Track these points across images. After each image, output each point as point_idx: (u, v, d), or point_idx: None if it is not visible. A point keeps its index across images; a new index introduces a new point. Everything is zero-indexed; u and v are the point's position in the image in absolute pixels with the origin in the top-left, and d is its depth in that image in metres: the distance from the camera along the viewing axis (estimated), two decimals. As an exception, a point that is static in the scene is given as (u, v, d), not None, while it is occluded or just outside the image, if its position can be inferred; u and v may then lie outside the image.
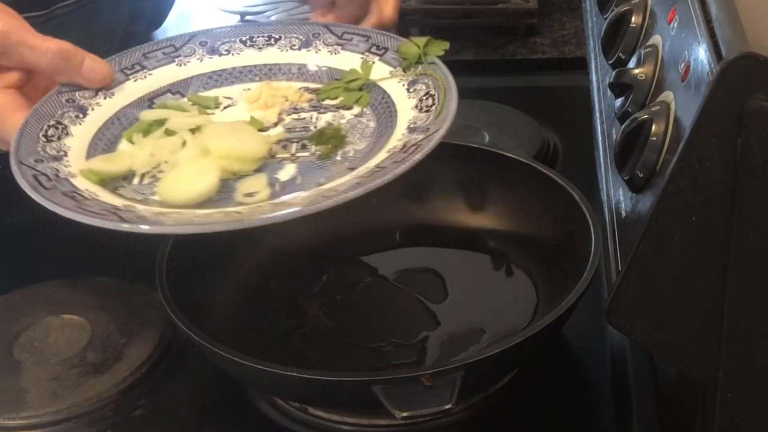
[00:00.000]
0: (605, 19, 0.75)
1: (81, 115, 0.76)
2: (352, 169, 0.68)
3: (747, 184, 0.48)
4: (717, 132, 0.47)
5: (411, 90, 0.74)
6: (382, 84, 0.76)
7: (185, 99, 0.79)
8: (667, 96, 0.57)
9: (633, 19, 0.68)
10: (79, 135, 0.74)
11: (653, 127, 0.56)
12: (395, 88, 0.75)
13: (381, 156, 0.68)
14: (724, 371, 0.52)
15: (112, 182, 0.70)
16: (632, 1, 0.69)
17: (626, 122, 0.60)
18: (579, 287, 0.69)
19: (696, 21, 0.53)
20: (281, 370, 0.65)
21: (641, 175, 0.56)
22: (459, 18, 1.27)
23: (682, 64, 0.55)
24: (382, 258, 0.86)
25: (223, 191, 0.68)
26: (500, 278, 0.83)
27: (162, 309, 0.73)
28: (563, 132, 1.03)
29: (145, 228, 0.62)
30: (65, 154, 0.72)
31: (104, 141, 0.75)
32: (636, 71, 0.63)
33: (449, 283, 0.82)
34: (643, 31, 0.67)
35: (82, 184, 0.68)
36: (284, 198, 0.65)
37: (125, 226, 0.62)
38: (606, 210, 0.67)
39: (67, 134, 0.74)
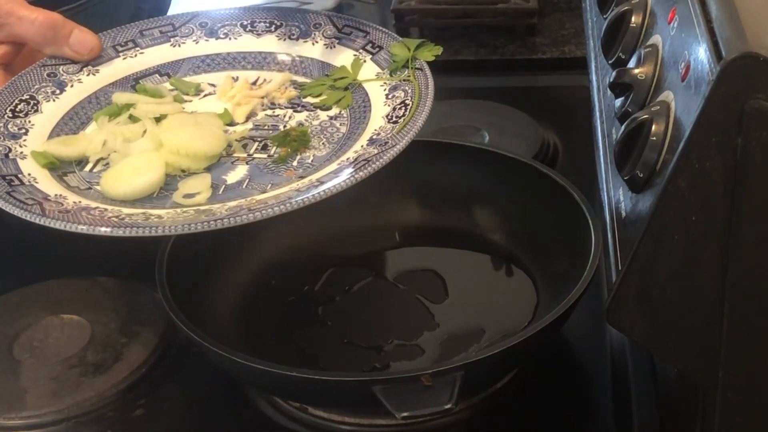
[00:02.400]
0: (605, 19, 0.75)
1: (58, 91, 0.76)
2: (302, 177, 0.67)
3: (747, 184, 0.48)
4: (717, 132, 0.47)
5: (390, 96, 0.73)
6: (365, 86, 0.75)
7: (167, 83, 0.79)
8: (667, 96, 0.57)
9: (633, 19, 0.68)
10: (49, 113, 0.74)
11: (653, 127, 0.56)
12: (376, 92, 0.74)
13: (330, 168, 0.67)
14: (724, 371, 0.52)
15: (64, 166, 0.70)
16: (632, 1, 0.69)
17: (626, 122, 0.60)
18: (579, 287, 0.69)
19: (696, 21, 0.53)
20: (281, 370, 0.65)
21: (641, 175, 0.56)
22: (459, 18, 1.27)
23: (682, 64, 0.55)
24: (382, 258, 0.86)
25: (166, 189, 0.68)
26: (500, 278, 0.83)
27: (162, 309, 0.73)
28: (563, 132, 1.03)
29: (58, 225, 0.62)
30: (26, 132, 0.72)
31: (75, 121, 0.75)
32: (636, 71, 0.63)
33: (449, 283, 0.82)
34: (643, 31, 0.67)
35: (27, 167, 0.69)
36: (214, 206, 0.65)
37: (41, 221, 0.62)
38: (606, 210, 0.67)
39: (36, 111, 0.74)
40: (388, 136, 0.68)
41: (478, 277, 0.83)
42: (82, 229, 0.62)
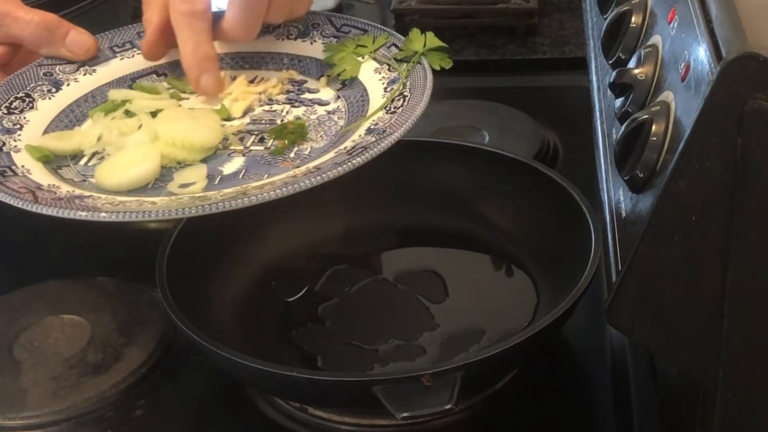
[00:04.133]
0: (605, 19, 0.75)
1: (54, 90, 0.75)
2: (299, 167, 0.67)
3: (747, 184, 0.48)
4: (717, 132, 0.47)
5: (388, 89, 0.73)
6: (363, 81, 0.75)
7: (164, 83, 0.79)
8: (667, 96, 0.57)
9: (633, 19, 0.68)
10: (45, 110, 0.74)
11: (653, 127, 0.56)
12: (375, 86, 0.74)
13: (327, 156, 0.67)
14: (724, 371, 0.52)
15: (58, 160, 0.70)
16: (632, 1, 0.69)
17: (626, 122, 0.60)
18: (579, 287, 0.69)
19: (696, 21, 0.53)
20: (281, 370, 0.65)
21: (641, 175, 0.56)
22: (459, 18, 1.27)
23: (682, 64, 0.55)
24: (382, 258, 0.86)
25: (162, 180, 0.68)
26: (500, 278, 0.83)
27: (162, 309, 0.73)
28: (563, 132, 1.03)
29: (50, 211, 0.61)
30: (21, 128, 0.72)
31: (71, 118, 0.75)
32: (636, 71, 0.63)
33: (449, 283, 0.82)
34: (643, 31, 0.67)
35: (21, 159, 0.69)
36: (209, 193, 0.65)
37: (34, 207, 0.62)
38: (606, 210, 0.67)
39: (31, 108, 0.74)
40: (386, 125, 0.68)
41: (478, 277, 0.83)
42: (77, 215, 0.61)
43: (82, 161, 0.71)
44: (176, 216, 0.61)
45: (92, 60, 0.79)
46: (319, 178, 0.62)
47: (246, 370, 0.67)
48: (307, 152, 0.70)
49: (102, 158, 0.71)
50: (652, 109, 0.57)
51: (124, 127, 0.72)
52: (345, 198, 0.73)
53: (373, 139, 0.67)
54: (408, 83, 0.72)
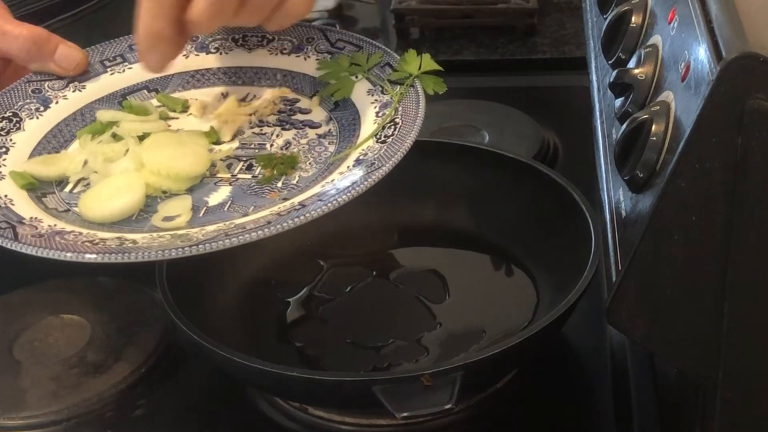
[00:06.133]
0: (605, 19, 0.75)
1: (42, 108, 0.74)
2: (285, 199, 0.66)
3: (747, 184, 0.48)
4: (717, 132, 0.47)
5: (380, 114, 0.71)
6: (356, 103, 0.74)
7: (154, 100, 0.78)
8: (667, 96, 0.57)
9: (633, 19, 0.68)
10: (32, 131, 0.73)
11: (653, 127, 0.56)
12: (367, 109, 0.73)
13: (314, 190, 0.66)
14: (724, 371, 0.52)
15: (43, 187, 0.69)
16: (632, 1, 0.69)
17: (626, 122, 0.60)
18: (579, 287, 0.69)
19: (696, 21, 0.53)
20: (281, 370, 0.65)
21: (641, 175, 0.56)
22: (459, 18, 1.27)
23: (682, 64, 0.55)
24: (382, 258, 0.86)
25: (146, 211, 0.67)
26: (500, 278, 0.83)
27: (162, 309, 0.73)
28: (563, 132, 1.03)
29: (30, 250, 0.61)
30: (6, 152, 0.71)
31: (59, 139, 0.74)
32: (636, 71, 0.63)
33: (449, 283, 0.82)
34: (643, 31, 0.67)
35: (5, 188, 0.68)
36: (191, 230, 0.64)
37: (14, 246, 0.61)
38: (606, 210, 0.67)
39: (18, 129, 0.72)
40: (375, 156, 0.67)
41: (478, 277, 0.83)
42: (55, 255, 0.60)
43: (68, 188, 0.70)
44: (157, 258, 0.60)
45: (82, 75, 0.77)
46: (302, 217, 0.61)
47: (246, 370, 0.67)
48: (295, 181, 0.69)
49: (87, 185, 0.70)
50: (652, 109, 0.57)
51: (110, 153, 0.71)
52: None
53: (361, 172, 0.66)
54: (400, 109, 0.71)
